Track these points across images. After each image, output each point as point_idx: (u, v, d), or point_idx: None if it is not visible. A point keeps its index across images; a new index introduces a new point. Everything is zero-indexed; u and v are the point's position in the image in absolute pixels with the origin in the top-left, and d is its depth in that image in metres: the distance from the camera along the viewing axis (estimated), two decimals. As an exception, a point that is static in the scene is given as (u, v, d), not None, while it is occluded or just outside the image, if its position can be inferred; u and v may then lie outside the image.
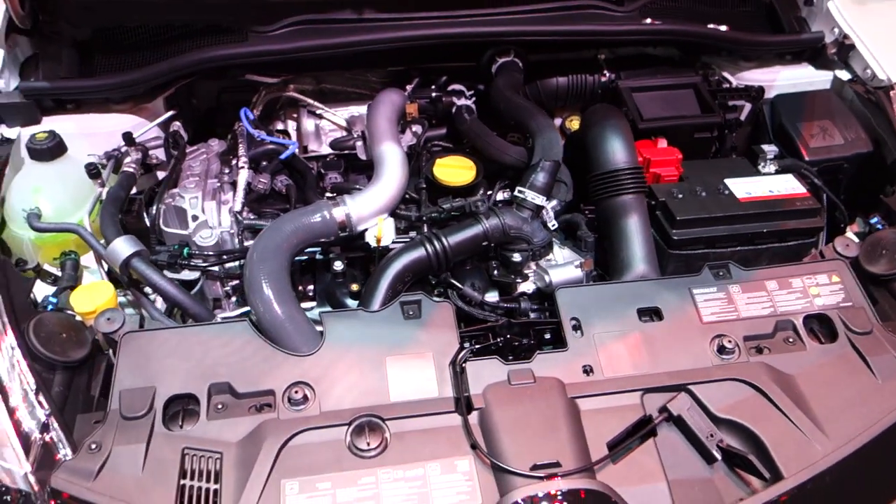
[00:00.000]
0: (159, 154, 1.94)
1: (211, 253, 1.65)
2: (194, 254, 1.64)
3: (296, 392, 1.34)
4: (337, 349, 1.43)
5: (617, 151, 1.71)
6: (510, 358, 1.48)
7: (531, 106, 1.82)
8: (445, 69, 2.11)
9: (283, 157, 1.84)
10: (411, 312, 1.49)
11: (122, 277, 1.53)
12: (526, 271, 1.69)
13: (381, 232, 1.59)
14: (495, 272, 1.69)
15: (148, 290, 1.60)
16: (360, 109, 2.07)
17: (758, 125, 2.07)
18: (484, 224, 1.64)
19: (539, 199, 1.69)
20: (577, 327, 1.47)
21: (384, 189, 1.70)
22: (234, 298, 1.77)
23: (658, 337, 1.47)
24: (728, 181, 1.81)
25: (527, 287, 1.71)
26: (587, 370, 1.41)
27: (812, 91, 2.09)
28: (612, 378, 1.41)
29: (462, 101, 1.94)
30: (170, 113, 1.97)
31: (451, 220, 1.74)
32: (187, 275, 1.63)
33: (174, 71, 1.80)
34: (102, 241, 1.57)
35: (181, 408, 1.35)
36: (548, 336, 1.55)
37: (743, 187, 1.79)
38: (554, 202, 1.72)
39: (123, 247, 1.49)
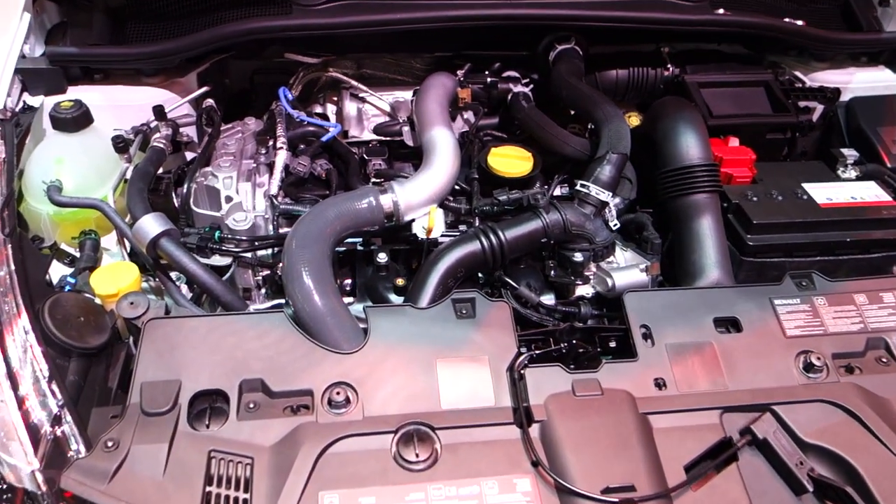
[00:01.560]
0: (190, 132, 1.81)
1: (244, 238, 1.52)
2: (226, 238, 1.51)
3: (337, 393, 1.20)
4: (382, 348, 1.29)
5: (691, 146, 1.56)
6: (572, 366, 1.33)
7: (597, 94, 1.68)
8: (496, 58, 1.97)
9: (324, 139, 1.70)
10: (465, 311, 1.35)
11: (148, 259, 1.40)
12: (586, 273, 1.54)
13: (433, 222, 1.45)
14: (552, 273, 1.54)
15: (174, 274, 1.46)
16: (406, 95, 1.93)
17: (830, 129, 1.92)
18: (544, 219, 1.50)
19: (604, 195, 1.54)
20: (647, 336, 1.33)
21: (435, 177, 1.56)
22: (263, 290, 1.63)
23: (737, 350, 1.33)
24: (806, 185, 1.67)
25: (585, 290, 1.56)
26: (659, 384, 1.27)
27: (892, 95, 1.94)
28: (687, 394, 1.27)
29: (519, 88, 1.80)
30: (204, 88, 1.85)
31: (503, 214, 1.60)
32: (218, 260, 1.50)
33: (212, 42, 1.68)
34: (128, 220, 1.44)
35: (208, 405, 1.21)
36: (613, 344, 1.41)
37: (823, 192, 1.64)
38: (617, 199, 1.58)
39: (152, 224, 1.35)
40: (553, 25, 1.84)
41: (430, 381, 1.24)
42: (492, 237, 1.46)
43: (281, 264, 1.44)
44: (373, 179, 1.62)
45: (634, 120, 1.94)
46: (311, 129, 1.75)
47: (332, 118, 1.95)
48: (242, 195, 1.58)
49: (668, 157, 1.58)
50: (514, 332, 1.32)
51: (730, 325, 1.35)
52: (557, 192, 1.66)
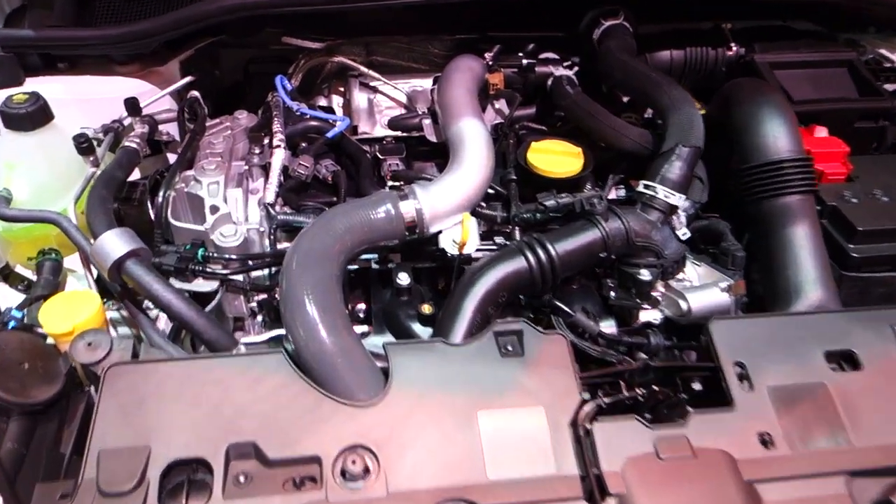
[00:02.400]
0: (171, 130, 1.53)
1: (234, 256, 1.24)
2: (212, 257, 1.22)
3: (352, 461, 0.92)
4: (409, 396, 1.01)
5: (779, 137, 1.28)
6: (647, 416, 1.06)
7: (660, 75, 1.39)
8: (528, 39, 1.68)
9: (330, 136, 1.42)
10: (510, 347, 1.07)
11: (113, 286, 1.12)
12: (653, 294, 1.25)
13: (466, 234, 1.16)
14: (611, 294, 1.26)
15: (148, 304, 1.18)
16: (425, 83, 1.65)
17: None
18: (602, 228, 1.21)
19: (673, 198, 1.26)
20: (743, 376, 1.05)
21: (465, 178, 1.27)
22: (260, 317, 1.35)
23: (858, 393, 1.04)
24: (915, 183, 1.38)
25: (651, 315, 1.28)
26: (765, 440, 0.99)
27: None
28: (801, 454, 0.99)
29: (561, 71, 1.51)
30: (187, 79, 1.57)
31: (549, 222, 1.32)
32: (202, 285, 1.22)
33: (195, 20, 1.40)
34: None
35: (186, 477, 0.93)
36: (698, 386, 1.12)
37: (937, 191, 1.36)
38: (687, 203, 1.29)
39: (115, 243, 1.07)
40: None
41: (472, 440, 0.97)
42: (540, 252, 1.18)
43: (279, 288, 1.16)
44: (389, 183, 1.34)
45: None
46: (313, 123, 1.47)
47: (339, 111, 1.67)
48: (231, 204, 1.30)
49: (750, 150, 1.29)
50: (574, 372, 1.04)
51: (844, 360, 1.07)
52: (612, 195, 1.38)
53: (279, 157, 1.35)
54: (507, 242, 1.30)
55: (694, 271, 1.32)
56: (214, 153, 1.36)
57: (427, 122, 1.50)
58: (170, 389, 0.99)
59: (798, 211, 1.25)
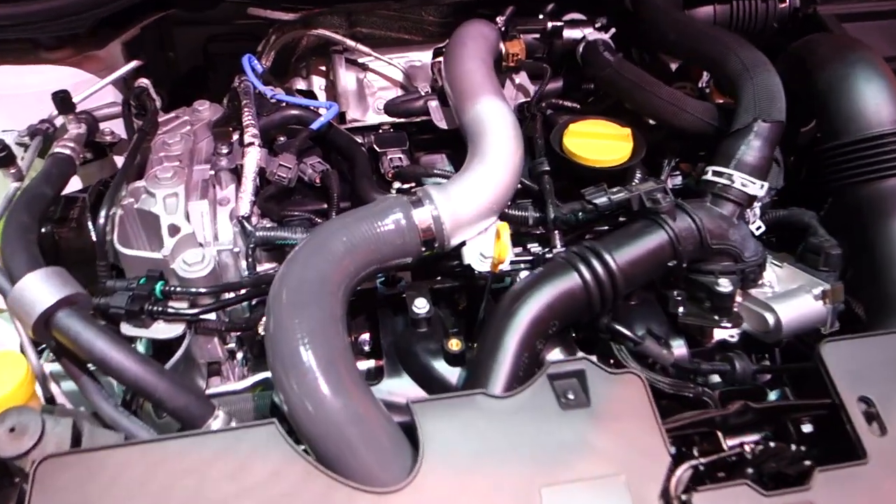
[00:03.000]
0: (117, 128, 1.24)
1: (203, 290, 0.96)
2: (174, 292, 0.95)
3: (381, 577, 0.67)
4: (447, 475, 0.77)
5: (881, 104, 1.03)
6: (750, 472, 0.82)
7: (726, 33, 1.13)
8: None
9: (315, 127, 1.14)
10: (571, 395, 0.83)
11: (48, 342, 0.84)
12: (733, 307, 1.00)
13: (504, 250, 0.90)
14: (680, 310, 1.00)
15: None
16: (423, 56, 1.37)
17: None
18: (671, 230, 0.96)
19: (753, 187, 1.01)
20: (872, 416, 0.82)
21: (492, 174, 1.01)
22: (240, 355, 1.09)
23: None
24: None
25: (726, 333, 1.03)
26: (914, 503, 0.76)
27: None
28: (962, 517, 0.76)
29: (594, 35, 1.24)
30: (133, 64, 1.28)
31: (593, 224, 1.07)
32: (163, 330, 0.94)
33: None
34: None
35: None
36: (809, 428, 0.88)
37: None
38: (763, 191, 1.04)
39: (40, 289, 0.79)
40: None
41: (536, 529, 0.73)
42: (596, 265, 0.92)
43: (263, 325, 0.90)
44: (395, 185, 1.06)
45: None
46: (293, 112, 1.19)
47: (322, 96, 1.38)
48: (196, 221, 1.02)
49: (842, 122, 1.04)
50: (657, 424, 0.80)
51: None
52: (670, 184, 1.13)
53: (253, 158, 1.07)
54: (546, 252, 1.04)
55: (773, 274, 1.08)
56: (170, 156, 1.08)
57: (433, 104, 1.22)
58: (126, 486, 0.73)
59: (907, 195, 1.01)
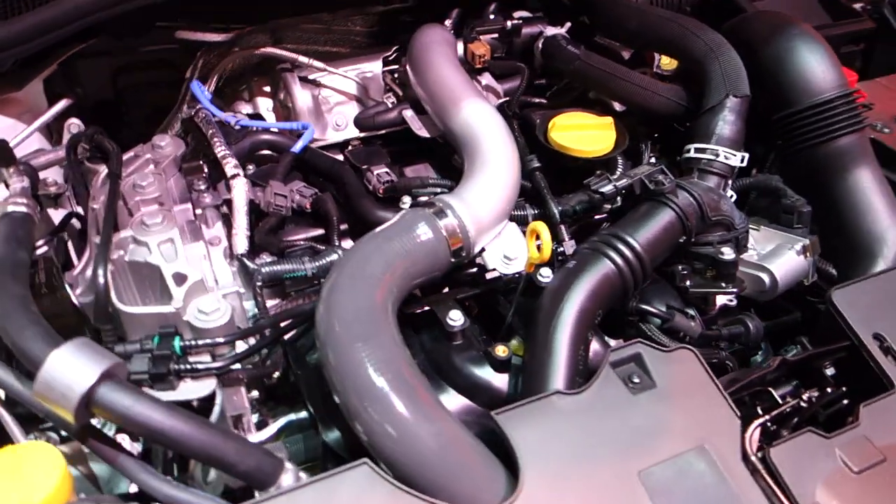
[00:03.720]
0: (52, 176, 1.10)
1: (223, 339, 0.88)
2: (194, 346, 0.86)
3: None
4: (549, 481, 0.77)
5: (825, 72, 1.13)
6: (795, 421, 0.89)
7: (685, 18, 1.19)
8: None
9: (297, 150, 1.08)
10: (636, 379, 0.86)
11: (74, 427, 0.73)
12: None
13: (545, 247, 0.90)
14: (687, 283, 1.06)
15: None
16: (373, 66, 1.34)
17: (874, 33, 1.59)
18: (678, 208, 1.01)
19: (734, 159, 1.08)
20: (887, 350, 0.91)
21: (499, 175, 1.01)
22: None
23: None
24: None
25: (725, 299, 1.10)
26: (946, 418, 0.86)
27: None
28: None
29: (552, 30, 1.27)
30: (63, 103, 1.14)
31: (587, 214, 1.10)
32: (193, 389, 0.85)
33: (69, 20, 1.00)
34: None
35: None
36: (831, 371, 0.96)
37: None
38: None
39: (77, 365, 0.69)
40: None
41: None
42: (625, 250, 0.95)
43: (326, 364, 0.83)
44: (405, 200, 1.03)
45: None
46: (263, 137, 1.12)
47: (270, 117, 1.31)
48: (194, 262, 0.93)
49: (792, 91, 1.14)
50: (721, 391, 0.85)
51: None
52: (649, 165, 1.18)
53: (242, 191, 1.00)
54: (557, 247, 1.05)
55: (751, 237, 1.17)
56: (147, 199, 0.97)
57: (409, 113, 1.20)
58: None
59: (859, 151, 1.12)
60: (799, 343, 1.08)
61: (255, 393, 0.96)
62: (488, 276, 0.99)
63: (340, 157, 1.21)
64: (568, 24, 1.29)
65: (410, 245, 0.90)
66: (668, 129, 1.24)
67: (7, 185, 0.98)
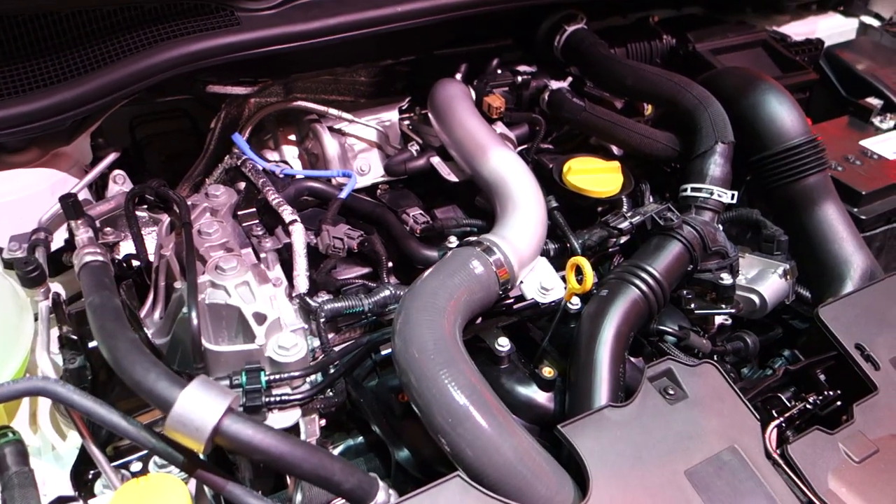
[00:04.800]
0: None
1: (299, 372, 0.96)
2: (278, 380, 0.94)
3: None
4: (613, 485, 0.88)
5: (794, 121, 1.32)
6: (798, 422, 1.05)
7: (674, 74, 1.36)
8: (464, 54, 1.57)
9: (343, 195, 1.18)
10: (671, 391, 0.99)
11: (182, 461, 0.80)
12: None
13: (588, 279, 1.02)
14: (691, 305, 1.21)
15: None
16: (388, 115, 1.45)
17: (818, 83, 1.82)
18: (685, 241, 1.16)
19: (726, 196, 1.25)
20: (868, 357, 1.08)
21: (531, 215, 1.14)
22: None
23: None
24: (864, 143, 1.53)
25: (721, 318, 1.26)
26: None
27: (857, 39, 1.91)
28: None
29: (556, 84, 1.41)
30: (112, 156, 1.20)
31: (603, 245, 1.24)
32: (279, 419, 0.93)
33: (139, 79, 1.07)
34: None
35: None
36: (822, 377, 1.12)
37: (888, 147, 1.52)
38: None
39: (204, 405, 0.76)
40: (551, 4, 1.48)
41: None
42: (648, 279, 1.09)
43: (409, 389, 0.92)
44: (452, 240, 1.13)
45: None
46: (306, 184, 1.21)
47: (297, 164, 1.40)
48: (263, 301, 1.01)
49: (766, 137, 1.32)
50: (741, 399, 0.99)
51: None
52: (648, 204, 1.33)
53: (300, 235, 1.09)
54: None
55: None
56: (214, 246, 1.05)
57: (436, 160, 1.31)
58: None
59: (824, 188, 1.31)
60: (782, 355, 1.24)
61: (323, 420, 1.04)
62: (512, 302, 1.11)
63: (368, 198, 1.31)
64: (570, 79, 1.44)
65: (467, 279, 1.01)
66: (657, 170, 1.40)
67: (75, 237, 1.04)
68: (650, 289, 1.09)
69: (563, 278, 1.16)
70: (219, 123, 1.42)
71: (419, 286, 0.99)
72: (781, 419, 0.99)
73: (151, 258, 1.11)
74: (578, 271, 1.04)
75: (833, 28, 1.93)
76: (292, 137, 1.42)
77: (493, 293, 1.04)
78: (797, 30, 1.89)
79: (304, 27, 1.22)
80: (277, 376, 0.95)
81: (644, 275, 1.09)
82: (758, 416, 0.98)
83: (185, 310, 0.97)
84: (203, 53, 1.14)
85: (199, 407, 0.77)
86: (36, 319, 1.00)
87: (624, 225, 1.18)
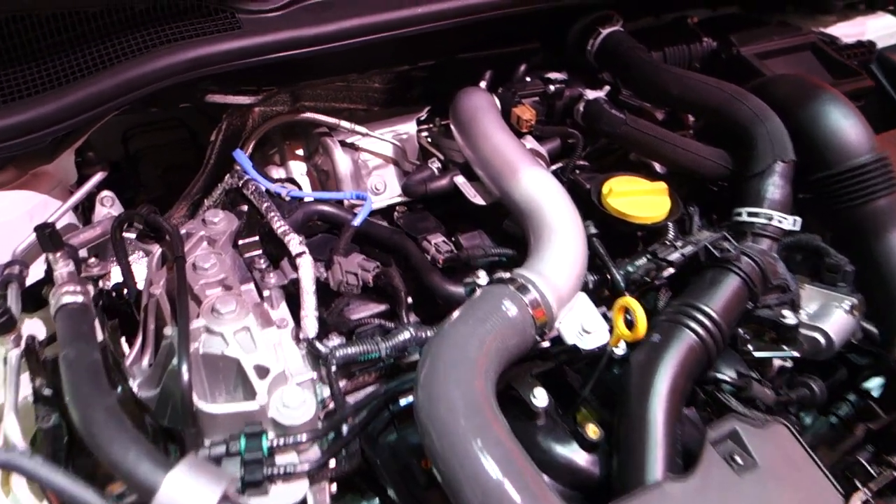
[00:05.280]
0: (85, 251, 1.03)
1: (305, 436, 0.83)
2: (283, 446, 0.81)
3: None
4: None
5: (856, 137, 1.18)
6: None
7: (725, 84, 1.22)
8: (487, 58, 1.43)
9: (357, 223, 1.04)
10: (738, 459, 0.85)
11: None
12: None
13: (640, 325, 0.89)
14: (750, 347, 1.07)
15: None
16: (406, 127, 1.31)
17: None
18: (744, 275, 1.02)
19: (787, 223, 1.11)
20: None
21: (570, 246, 1.00)
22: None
23: None
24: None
25: (780, 361, 1.12)
26: None
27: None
28: None
29: (593, 94, 1.27)
30: (99, 175, 1.08)
31: (650, 278, 1.10)
32: (285, 493, 0.80)
33: (132, 88, 0.94)
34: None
35: None
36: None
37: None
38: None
39: (194, 493, 0.63)
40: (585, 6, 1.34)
41: None
42: (704, 321, 0.95)
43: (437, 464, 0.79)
44: (481, 275, 0.99)
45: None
46: (315, 208, 1.08)
47: (304, 182, 1.26)
48: (271, 353, 0.88)
49: (829, 154, 1.18)
50: (820, 467, 0.85)
51: None
52: (697, 230, 1.19)
53: (309, 270, 0.95)
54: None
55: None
56: (211, 283, 0.92)
57: (461, 179, 1.18)
58: None
59: (894, 211, 1.17)
60: (847, 399, 1.10)
61: (334, 486, 0.91)
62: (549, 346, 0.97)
63: (384, 223, 1.17)
64: (607, 88, 1.30)
65: (500, 324, 0.88)
66: (702, 189, 1.26)
67: (54, 271, 0.91)
68: (708, 332, 0.95)
69: (606, 316, 1.03)
70: (220, 136, 1.29)
71: (446, 333, 0.86)
72: (869, 495, 0.86)
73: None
74: (627, 312, 0.90)
75: (883, 29, 1.78)
76: (300, 152, 1.29)
77: (529, 338, 0.91)
78: (844, 31, 1.74)
79: (314, 31, 1.09)
80: (282, 441, 0.82)
81: (700, 316, 0.96)
82: (841, 490, 0.84)
83: (175, 361, 0.83)
84: (198, 62, 1.01)
85: (187, 496, 0.64)
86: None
87: (674, 256, 1.04)
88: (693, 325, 0.95)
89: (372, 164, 1.26)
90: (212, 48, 1.03)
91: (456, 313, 0.89)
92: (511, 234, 1.15)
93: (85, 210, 1.15)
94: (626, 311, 0.90)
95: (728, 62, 1.52)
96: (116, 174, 1.42)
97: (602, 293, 1.10)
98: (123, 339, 0.99)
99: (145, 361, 0.93)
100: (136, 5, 1.03)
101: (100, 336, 0.92)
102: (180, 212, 1.30)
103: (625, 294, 1.07)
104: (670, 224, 1.17)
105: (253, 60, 1.07)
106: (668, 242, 1.06)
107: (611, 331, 0.96)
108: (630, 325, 0.90)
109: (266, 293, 0.95)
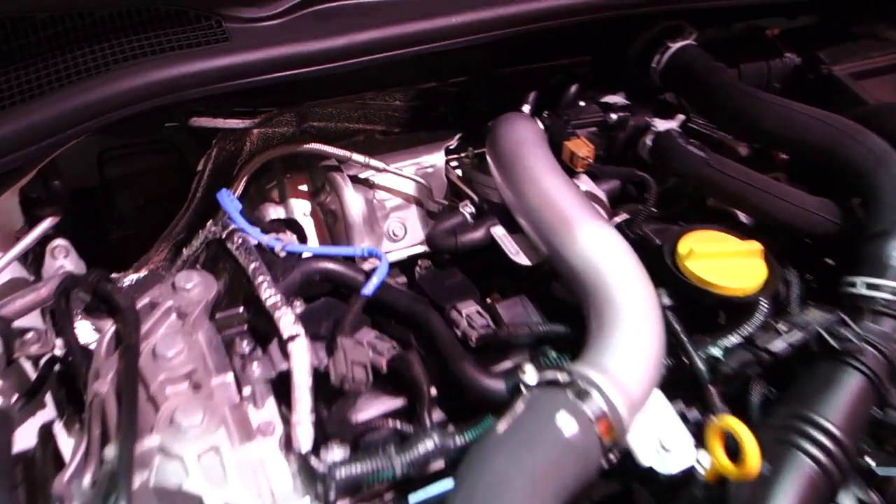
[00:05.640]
0: (30, 323, 0.82)
1: None
2: None
3: None
4: None
5: None
6: None
7: (836, 119, 0.98)
8: (529, 73, 1.20)
9: (369, 293, 0.82)
10: None
11: None
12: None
13: (751, 460, 0.65)
14: (869, 460, 0.83)
15: None
16: (433, 159, 1.09)
17: None
18: (869, 372, 0.78)
19: (916, 297, 0.87)
20: None
21: (642, 329, 0.76)
22: None
23: None
24: None
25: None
26: None
27: None
28: None
29: (662, 124, 1.04)
30: (48, 221, 0.86)
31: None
32: None
33: (97, 113, 0.74)
34: None
35: None
36: None
37: None
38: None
39: None
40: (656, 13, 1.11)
41: None
42: (824, 440, 0.72)
43: None
44: (527, 368, 0.75)
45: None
46: (317, 266, 0.85)
47: (308, 224, 1.04)
48: (248, 482, 0.66)
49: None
50: None
51: None
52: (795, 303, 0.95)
53: (304, 360, 0.72)
54: (706, 417, 0.81)
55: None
56: (175, 378, 0.70)
57: (500, 231, 0.94)
58: None
59: None
60: None
61: None
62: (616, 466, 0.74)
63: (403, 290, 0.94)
64: (681, 117, 1.07)
65: (555, 450, 0.65)
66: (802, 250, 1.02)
67: (-28, 357, 0.70)
68: (830, 458, 0.71)
69: (684, 416, 0.80)
70: (208, 164, 1.08)
71: (483, 463, 0.63)
72: None
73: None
74: (729, 437, 0.67)
75: None
76: (304, 187, 1.07)
77: (594, 465, 0.68)
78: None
79: (319, 45, 0.87)
80: None
81: (819, 435, 0.72)
82: None
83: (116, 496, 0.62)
84: (171, 83, 0.80)
85: None
86: None
87: (779, 347, 0.80)
88: (810, 448, 0.72)
89: (390, 203, 1.04)
90: (189, 66, 0.81)
91: (494, 435, 0.66)
92: (562, 300, 0.92)
93: (37, 258, 0.94)
94: (728, 435, 0.67)
95: (815, 83, 1.28)
96: (88, 203, 1.24)
97: (673, 377, 0.86)
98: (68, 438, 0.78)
99: (87, 478, 0.71)
100: (96, 10, 0.81)
101: (32, 441, 0.71)
102: (160, 255, 1.09)
103: (708, 387, 0.83)
104: (761, 298, 0.92)
105: (241, 82, 0.85)
106: (767, 323, 0.82)
107: (697, 446, 0.73)
108: (733, 454, 0.66)
109: (248, 388, 0.72)
